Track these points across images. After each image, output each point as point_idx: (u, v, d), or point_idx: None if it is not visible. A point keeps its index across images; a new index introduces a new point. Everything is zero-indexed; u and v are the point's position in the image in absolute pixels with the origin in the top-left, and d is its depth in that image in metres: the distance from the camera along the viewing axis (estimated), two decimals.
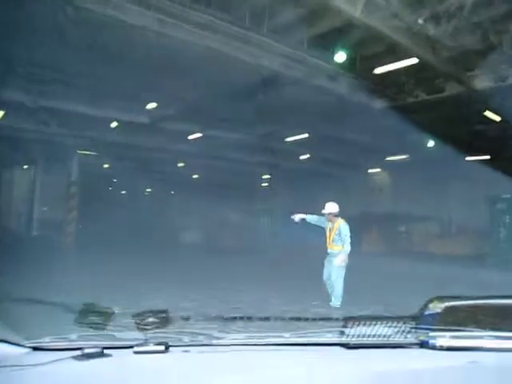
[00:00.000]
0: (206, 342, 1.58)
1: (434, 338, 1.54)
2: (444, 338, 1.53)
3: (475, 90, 12.59)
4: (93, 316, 2.03)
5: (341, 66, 11.41)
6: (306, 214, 8.83)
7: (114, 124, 18.68)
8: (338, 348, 1.53)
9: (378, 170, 28.16)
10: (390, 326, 1.62)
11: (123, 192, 42.93)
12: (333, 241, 8.55)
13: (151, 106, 16.15)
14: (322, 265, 8.61)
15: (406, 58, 11.19)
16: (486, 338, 1.58)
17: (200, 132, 19.72)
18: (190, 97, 14.70)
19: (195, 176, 32.55)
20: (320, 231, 8.75)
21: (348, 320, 1.65)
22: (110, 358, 1.41)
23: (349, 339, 1.56)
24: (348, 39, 10.66)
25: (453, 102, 13.63)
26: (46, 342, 1.51)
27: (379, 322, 1.62)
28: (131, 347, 1.45)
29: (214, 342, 1.58)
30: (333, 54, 10.90)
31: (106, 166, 28.90)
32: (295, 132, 19.74)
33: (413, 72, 12.33)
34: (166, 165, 27.59)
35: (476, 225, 21.50)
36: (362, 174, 28.02)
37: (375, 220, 24.68)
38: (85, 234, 21.43)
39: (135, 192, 41.00)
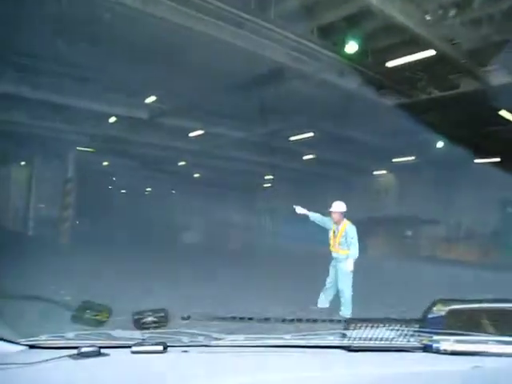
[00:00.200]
0: (205, 343, 1.54)
1: (437, 341, 1.51)
2: (447, 342, 1.50)
3: (491, 87, 11.88)
4: (90, 315, 2.08)
5: (351, 58, 10.69)
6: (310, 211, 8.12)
7: (112, 119, 17.98)
8: (339, 351, 1.49)
9: (384, 172, 27.42)
10: (392, 329, 1.60)
11: (123, 191, 42.46)
12: (339, 244, 7.82)
13: (150, 99, 15.42)
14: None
15: (421, 51, 10.47)
16: (490, 343, 1.55)
17: (201, 129, 19.01)
18: (190, 91, 14.00)
19: (196, 175, 31.83)
20: (323, 233, 8.03)
21: (350, 322, 1.65)
22: (107, 358, 1.38)
23: (350, 342, 1.52)
24: (360, 29, 9.95)
25: (467, 100, 12.92)
26: (42, 340, 1.49)
27: (381, 325, 1.60)
28: (129, 347, 1.42)
29: (213, 342, 1.55)
30: (343, 44, 10.15)
31: (105, 163, 28.20)
32: (300, 131, 19.03)
33: (427, 66, 11.61)
34: (166, 163, 26.91)
35: (486, 229, 20.84)
36: (367, 176, 27.34)
37: (380, 224, 23.97)
38: (84, 236, 20.78)
39: (135, 191, 40.49)
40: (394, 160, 24.48)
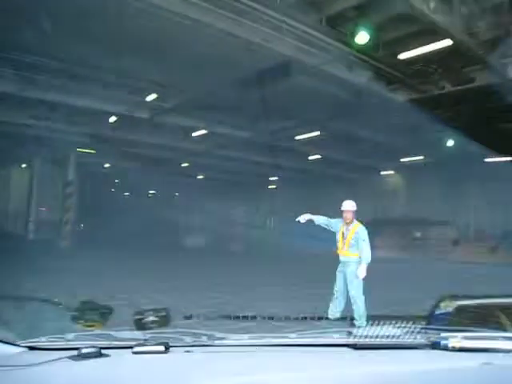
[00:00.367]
0: (208, 343, 1.50)
1: (445, 338, 1.46)
2: (456, 339, 1.45)
3: (509, 81, 11.24)
4: (90, 315, 2.23)
5: (362, 49, 10.09)
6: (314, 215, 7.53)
7: (112, 119, 17.44)
8: (345, 349, 1.46)
9: (392, 172, 26.80)
10: (399, 327, 1.57)
11: (126, 194, 42.12)
12: (349, 247, 7.16)
13: (151, 97, 14.86)
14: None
15: (435, 41, 9.85)
16: (499, 339, 1.52)
17: (204, 129, 18.43)
18: (192, 87, 13.47)
19: (200, 177, 31.30)
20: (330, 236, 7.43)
21: (355, 320, 2.08)
22: (107, 358, 1.36)
23: (356, 340, 1.49)
24: (371, 18, 9.36)
25: (482, 95, 12.29)
26: (42, 341, 1.48)
27: (388, 323, 1.59)
28: (130, 347, 1.40)
29: (217, 342, 1.51)
30: (354, 35, 9.55)
31: (106, 165, 27.71)
32: (306, 129, 18.40)
33: (441, 58, 11.00)
34: (169, 164, 26.35)
35: (499, 230, 20.19)
36: (375, 177, 26.74)
37: (388, 225, 23.31)
38: (91, 243, 20.30)
39: (138, 194, 40.12)
40: (402, 160, 23.92)
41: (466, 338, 1.49)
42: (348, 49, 10.15)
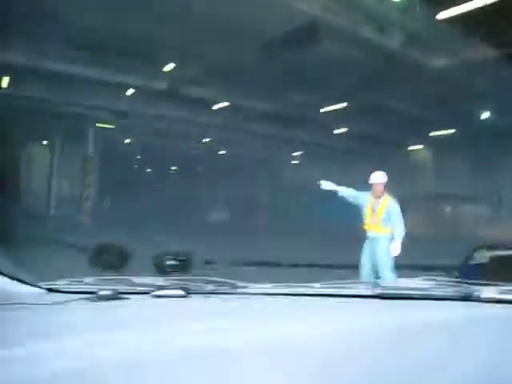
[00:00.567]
0: (229, 291, 1.48)
1: (478, 290, 1.40)
2: (490, 291, 1.39)
3: None
4: (111, 259, 2.55)
5: (396, 7, 9.10)
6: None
7: (129, 91, 16.79)
8: (371, 300, 1.42)
9: (421, 146, 25.61)
10: (429, 279, 1.51)
11: (148, 170, 41.90)
12: (380, 222, 6.48)
13: (169, 67, 14.11)
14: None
15: None
16: None
17: (225, 101, 17.62)
18: (210, 54, 12.64)
19: (222, 152, 30.64)
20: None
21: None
22: (126, 301, 1.36)
23: (383, 291, 1.44)
24: None
25: None
26: (61, 284, 1.50)
27: (417, 274, 1.63)
28: (149, 292, 1.39)
29: (239, 290, 1.50)
30: None
31: (127, 141, 27.26)
32: (333, 100, 17.41)
33: (487, 17, 9.89)
34: (190, 139, 25.74)
35: None
36: (403, 152, 25.60)
37: (417, 202, 22.34)
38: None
39: (160, 170, 39.83)
40: (432, 134, 22.74)
41: (500, 290, 1.42)
42: (381, 5, 9.19)
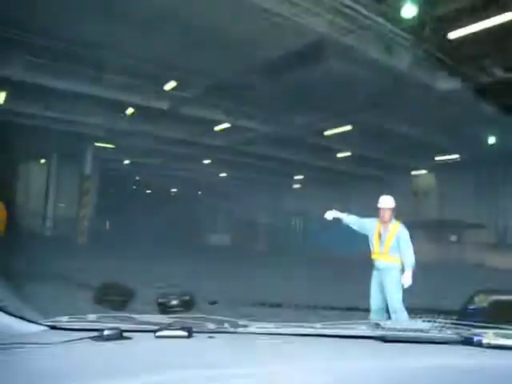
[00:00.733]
0: (231, 330, 1.48)
1: (478, 334, 1.38)
2: (489, 336, 1.37)
3: None
4: (113, 298, 2.31)
5: (406, 26, 8.80)
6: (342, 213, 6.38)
7: (129, 110, 16.47)
8: (372, 341, 1.40)
9: (425, 171, 25.22)
10: (430, 321, 1.55)
11: (148, 191, 41.62)
12: (389, 250, 5.95)
13: (169, 86, 13.79)
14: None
15: (492, 15, 8.49)
16: None
17: (227, 122, 17.26)
18: (212, 73, 12.35)
19: (223, 174, 30.27)
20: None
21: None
22: (129, 341, 1.33)
23: (384, 332, 1.43)
24: None
25: None
26: (63, 321, 1.48)
27: (418, 316, 1.68)
28: (152, 331, 1.37)
29: (240, 329, 1.49)
30: (399, 7, 8.28)
31: (126, 162, 26.90)
32: (336, 123, 17.02)
33: (496, 38, 9.60)
34: (190, 161, 25.37)
35: None
36: (406, 176, 25.21)
37: (421, 228, 21.82)
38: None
39: (160, 192, 39.53)
40: (437, 158, 22.35)
41: (501, 334, 1.39)
42: (390, 25, 8.88)
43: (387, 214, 5.93)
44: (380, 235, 5.99)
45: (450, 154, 21.24)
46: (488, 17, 8.49)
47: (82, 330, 1.40)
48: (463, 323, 1.54)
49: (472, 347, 1.36)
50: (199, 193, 38.06)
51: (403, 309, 5.73)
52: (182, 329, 1.38)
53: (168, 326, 1.41)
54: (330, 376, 1.13)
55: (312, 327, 1.51)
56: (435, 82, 11.88)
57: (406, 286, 5.67)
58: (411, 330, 1.48)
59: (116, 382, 1.01)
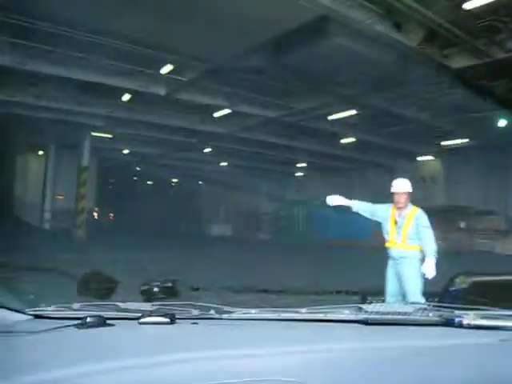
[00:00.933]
0: (215, 316, 1.48)
1: (459, 316, 1.41)
2: (470, 317, 1.40)
3: None
4: (97, 286, 2.43)
5: None
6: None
7: (126, 96, 15.80)
8: (356, 325, 1.43)
9: (431, 157, 24.51)
10: (411, 303, 1.72)
11: (149, 183, 41.17)
12: (407, 237, 5.37)
13: (166, 69, 13.09)
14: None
15: None
16: None
17: (227, 107, 16.58)
18: (210, 54, 11.68)
19: (223, 163, 29.63)
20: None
21: (367, 296, 1.76)
22: (112, 328, 1.35)
23: (367, 316, 1.45)
24: None
25: None
26: (48, 310, 1.50)
27: (400, 300, 2.03)
28: (136, 318, 1.39)
29: (225, 316, 1.49)
30: None
31: (125, 151, 26.26)
32: (341, 107, 16.30)
33: None
34: (190, 150, 24.71)
35: None
36: (412, 162, 24.51)
37: (430, 215, 21.22)
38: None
39: (162, 183, 39.05)
40: (444, 143, 21.63)
41: (481, 315, 1.42)
42: None
43: (403, 199, 5.35)
44: (396, 222, 5.41)
45: (459, 139, 20.52)
46: None
47: (66, 318, 1.41)
48: (444, 305, 1.56)
49: (453, 328, 1.38)
50: (200, 182, 37.52)
51: (424, 301, 5.14)
52: (165, 315, 1.38)
53: (151, 313, 1.41)
54: (313, 358, 1.15)
55: (297, 312, 1.52)
56: (447, 60, 11.14)
57: (429, 277, 5.09)
58: (394, 313, 1.49)
59: (98, 367, 1.02)
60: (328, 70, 12.33)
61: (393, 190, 5.42)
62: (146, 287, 1.88)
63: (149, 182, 40.77)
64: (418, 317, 1.47)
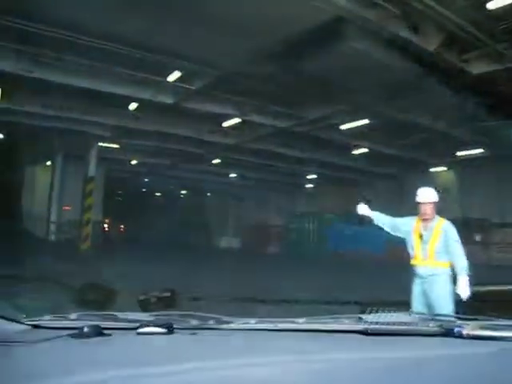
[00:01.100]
0: (214, 326, 1.48)
1: (459, 326, 1.42)
2: (470, 327, 1.41)
3: None
4: (95, 296, 2.46)
5: None
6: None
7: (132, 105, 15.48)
8: (355, 335, 1.42)
9: (446, 168, 23.92)
10: (411, 314, 1.62)
11: (158, 194, 40.94)
12: (435, 253, 4.85)
13: (174, 76, 12.73)
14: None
15: None
16: None
17: (236, 116, 16.18)
18: (219, 59, 11.31)
19: (233, 175, 29.23)
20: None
21: (367, 306, 1.60)
22: (110, 338, 1.35)
23: (367, 326, 1.43)
24: None
25: None
26: (45, 320, 1.50)
27: (400, 309, 1.56)
28: (134, 329, 1.38)
29: (223, 326, 1.49)
30: None
31: (133, 162, 25.99)
32: (353, 116, 15.83)
33: None
34: (199, 161, 24.33)
35: None
36: (426, 174, 23.92)
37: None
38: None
39: (170, 195, 38.80)
40: (459, 153, 21.05)
41: (481, 326, 1.44)
42: None
43: (429, 210, 4.86)
44: (421, 236, 4.89)
45: (475, 149, 19.95)
46: None
47: (63, 328, 1.40)
48: (444, 315, 1.70)
49: (453, 339, 1.37)
50: (209, 194, 37.18)
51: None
52: (163, 325, 1.37)
53: (149, 323, 1.39)
54: (313, 368, 1.14)
55: (295, 323, 1.51)
56: (466, 65, 10.67)
57: (464, 296, 4.55)
58: (394, 323, 1.46)
59: (95, 377, 1.01)
60: (340, 76, 11.90)
61: (418, 199, 4.92)
62: (143, 297, 1.88)
63: (157, 194, 40.52)
64: (418, 327, 1.47)
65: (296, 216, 30.24)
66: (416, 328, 1.46)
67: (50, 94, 14.20)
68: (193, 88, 13.41)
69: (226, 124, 17.25)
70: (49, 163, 21.97)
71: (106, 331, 1.34)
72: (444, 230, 4.82)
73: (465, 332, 1.36)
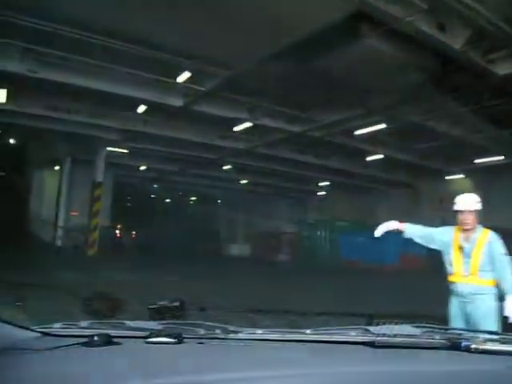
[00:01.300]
0: (221, 336, 1.48)
1: (467, 340, 1.40)
2: (478, 341, 1.40)
3: None
4: (105, 305, 2.37)
5: None
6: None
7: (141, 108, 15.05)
8: (362, 347, 1.40)
9: (462, 176, 23.15)
10: (419, 326, 1.55)
11: (167, 200, 40.61)
12: (479, 269, 4.14)
13: (183, 77, 12.26)
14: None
15: None
16: None
17: (248, 121, 15.66)
18: (229, 59, 10.85)
19: (244, 181, 28.74)
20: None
21: (374, 318, 1.60)
22: (119, 347, 1.36)
23: (374, 338, 1.41)
24: None
25: None
26: (55, 327, 1.51)
27: (407, 322, 1.57)
28: (143, 337, 1.40)
29: (231, 336, 1.48)
30: None
31: (142, 168, 25.61)
32: (370, 120, 15.21)
33: None
34: (209, 167, 23.87)
35: None
36: (441, 182, 23.20)
37: None
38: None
39: (180, 201, 38.45)
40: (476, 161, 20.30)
41: (490, 340, 1.43)
42: None
43: (471, 219, 4.12)
44: (462, 249, 4.21)
45: (495, 156, 19.22)
46: None
47: (73, 336, 1.40)
48: (452, 328, 1.66)
49: (460, 352, 1.35)
50: (219, 200, 36.76)
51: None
52: (172, 335, 1.38)
53: (158, 332, 1.41)
54: (318, 380, 1.16)
55: (302, 333, 1.50)
56: (493, 66, 10.06)
57: (495, 315, 3.93)
58: (401, 336, 1.43)
59: None
60: (357, 78, 11.36)
61: (457, 207, 4.19)
62: (152, 306, 1.83)
63: (166, 200, 40.18)
64: (426, 339, 1.44)
65: (308, 223, 29.67)
66: (423, 341, 1.43)
67: (57, 96, 13.84)
68: (203, 89, 12.94)
69: (236, 128, 16.74)
70: (57, 168, 21.61)
71: (115, 339, 1.35)
72: (489, 243, 4.15)
73: (473, 346, 1.34)
